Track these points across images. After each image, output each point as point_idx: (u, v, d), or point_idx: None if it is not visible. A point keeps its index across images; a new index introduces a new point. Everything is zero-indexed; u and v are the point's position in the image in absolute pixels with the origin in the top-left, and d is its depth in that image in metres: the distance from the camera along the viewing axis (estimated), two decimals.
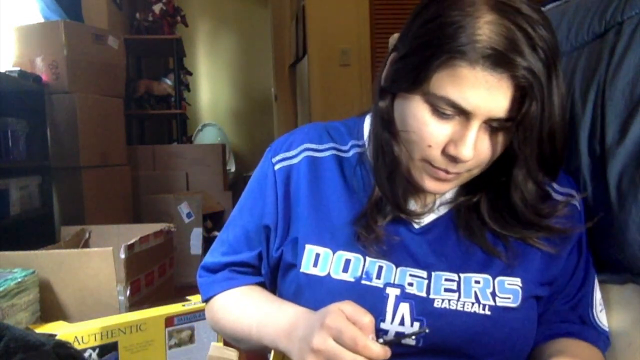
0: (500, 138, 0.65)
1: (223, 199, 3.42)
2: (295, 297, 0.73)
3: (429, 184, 0.69)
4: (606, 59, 0.71)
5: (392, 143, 0.70)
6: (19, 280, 1.28)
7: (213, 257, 0.84)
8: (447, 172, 0.66)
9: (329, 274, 0.71)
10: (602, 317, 0.75)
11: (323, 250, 0.72)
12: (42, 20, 2.55)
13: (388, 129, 0.71)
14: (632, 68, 0.68)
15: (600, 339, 0.74)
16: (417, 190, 0.73)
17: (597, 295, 0.75)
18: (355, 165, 0.77)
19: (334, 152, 0.78)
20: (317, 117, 3.59)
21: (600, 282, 0.79)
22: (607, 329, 0.75)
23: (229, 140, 5.29)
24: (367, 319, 0.61)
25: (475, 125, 0.63)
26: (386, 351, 0.59)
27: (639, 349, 0.75)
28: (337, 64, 3.63)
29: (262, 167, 0.81)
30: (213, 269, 0.83)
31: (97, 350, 1.11)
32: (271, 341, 0.70)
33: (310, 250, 0.73)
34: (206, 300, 0.84)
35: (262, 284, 0.82)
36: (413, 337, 0.65)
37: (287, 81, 4.60)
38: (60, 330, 1.12)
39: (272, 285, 0.81)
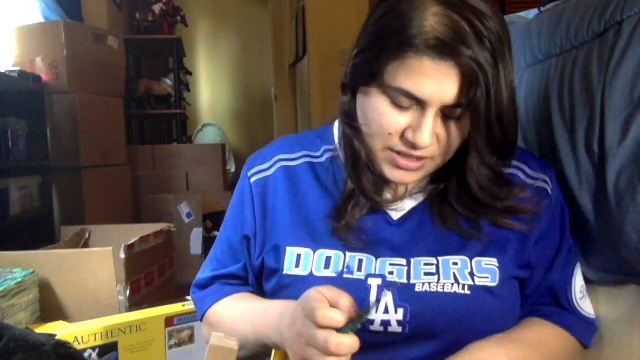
0: (457, 125, 0.68)
1: (223, 199, 3.42)
2: (280, 298, 0.76)
3: (393, 174, 0.72)
4: (606, 59, 0.71)
5: (352, 138, 0.74)
6: (19, 280, 1.28)
7: (203, 274, 0.87)
8: (409, 157, 0.69)
9: (311, 272, 0.73)
10: (583, 304, 0.76)
11: (304, 251, 0.75)
12: (42, 20, 2.55)
13: (350, 124, 0.75)
14: (632, 68, 0.68)
15: (576, 323, 0.75)
16: (387, 181, 0.75)
17: (578, 282, 0.76)
18: (327, 167, 0.80)
19: (306, 159, 0.82)
20: (317, 117, 3.59)
21: (598, 282, 0.79)
22: (590, 316, 0.76)
23: (229, 140, 5.29)
24: (345, 300, 0.61)
25: (430, 113, 0.66)
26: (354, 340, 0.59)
27: (638, 349, 0.75)
28: (337, 64, 3.63)
29: (240, 183, 0.84)
30: (204, 285, 0.87)
31: (97, 350, 1.11)
32: (267, 338, 0.72)
33: (292, 252, 0.75)
34: (202, 317, 0.86)
35: (252, 293, 0.85)
36: (387, 291, 0.63)
37: (287, 81, 4.60)
38: (60, 330, 1.12)
39: (260, 293, 0.84)
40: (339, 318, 0.59)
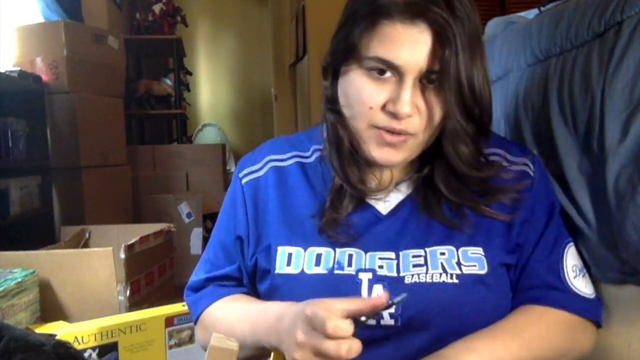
0: (435, 98, 0.69)
1: (223, 199, 3.41)
2: (273, 298, 0.76)
3: (379, 153, 0.72)
4: (606, 58, 0.71)
5: (335, 124, 0.75)
6: (19, 280, 1.28)
7: (197, 276, 0.87)
8: (392, 132, 0.69)
9: (302, 270, 0.74)
10: (577, 282, 0.75)
11: (294, 250, 0.75)
12: (42, 20, 2.55)
13: (332, 109, 0.76)
14: (631, 68, 0.68)
15: (571, 301, 0.73)
16: (371, 165, 0.76)
17: (570, 261, 0.75)
18: (316, 166, 0.81)
19: (296, 159, 0.83)
20: (317, 117, 3.58)
21: (597, 281, 0.79)
22: (586, 295, 0.74)
23: (229, 140, 5.29)
24: (339, 305, 0.61)
25: (408, 81, 0.68)
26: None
27: (638, 349, 0.75)
28: None
29: (232, 185, 0.85)
30: (197, 287, 0.86)
31: (97, 350, 1.11)
32: (266, 341, 0.71)
33: (283, 251, 0.76)
34: (197, 319, 0.85)
35: (246, 294, 0.85)
36: (395, 305, 0.63)
37: (287, 81, 4.60)
38: (60, 330, 1.12)
39: (254, 294, 0.83)
40: (348, 328, 0.59)
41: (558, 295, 0.73)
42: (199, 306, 0.85)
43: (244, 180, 0.83)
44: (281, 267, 0.75)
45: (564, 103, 0.79)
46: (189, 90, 4.47)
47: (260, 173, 0.82)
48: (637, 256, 0.69)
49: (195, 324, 0.87)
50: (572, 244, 0.77)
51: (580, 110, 0.76)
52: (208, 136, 5.30)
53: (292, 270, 0.74)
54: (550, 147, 0.82)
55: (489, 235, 0.74)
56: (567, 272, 0.75)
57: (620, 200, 0.69)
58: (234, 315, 0.79)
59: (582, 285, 0.75)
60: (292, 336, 0.63)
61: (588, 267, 0.79)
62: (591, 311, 0.74)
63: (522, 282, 0.75)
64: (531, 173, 0.77)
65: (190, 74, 4.47)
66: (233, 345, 0.65)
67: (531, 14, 1.01)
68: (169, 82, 3.80)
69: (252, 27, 5.51)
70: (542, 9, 0.93)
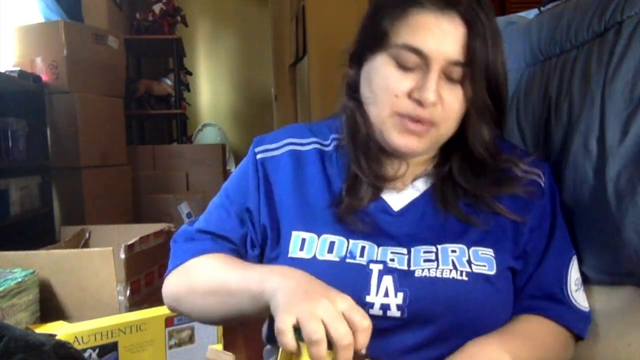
0: (458, 91, 0.72)
1: None
2: None
3: (402, 140, 0.73)
4: (606, 59, 0.71)
5: (355, 112, 0.77)
6: (19, 280, 1.28)
7: (190, 226, 0.82)
8: (417, 120, 0.71)
9: (314, 256, 0.74)
10: (577, 296, 0.76)
11: (308, 235, 0.75)
12: (42, 20, 2.55)
13: (353, 98, 0.78)
14: (631, 68, 0.68)
15: (570, 315, 0.75)
16: (389, 155, 0.77)
17: (574, 274, 0.77)
18: (332, 155, 0.81)
19: (316, 146, 0.83)
20: (317, 117, 3.59)
21: (596, 282, 0.79)
22: (584, 309, 0.77)
23: (229, 140, 5.28)
24: (367, 322, 0.59)
25: (434, 70, 0.70)
26: None
27: (638, 349, 0.75)
28: (337, 64, 3.62)
29: (246, 159, 0.84)
30: (189, 237, 0.81)
31: (97, 350, 1.11)
32: (257, 284, 0.66)
33: (297, 236, 0.76)
34: (174, 268, 0.79)
35: None
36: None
37: (287, 81, 4.59)
38: (60, 330, 1.12)
39: None
40: (368, 334, 0.58)
41: (560, 309, 0.75)
42: (188, 252, 0.79)
43: (259, 156, 0.82)
44: (294, 251, 0.75)
45: (564, 103, 0.79)
46: (189, 90, 4.47)
47: (277, 152, 0.82)
48: (637, 256, 0.69)
49: (167, 274, 0.80)
50: (575, 256, 0.78)
51: (580, 110, 0.75)
52: (208, 136, 5.29)
53: (304, 255, 0.74)
54: (550, 147, 0.82)
55: (500, 239, 0.75)
56: (570, 286, 0.76)
57: (620, 201, 0.69)
58: (224, 263, 0.75)
59: (581, 299, 0.77)
60: (321, 293, 0.60)
61: (587, 267, 0.79)
62: (583, 327, 0.77)
63: (526, 290, 0.76)
64: (542, 183, 0.78)
65: (190, 74, 4.47)
66: (228, 358, 0.65)
67: (531, 14, 1.01)
68: (169, 82, 3.80)
69: (252, 27, 5.50)
70: (542, 9, 0.93)
